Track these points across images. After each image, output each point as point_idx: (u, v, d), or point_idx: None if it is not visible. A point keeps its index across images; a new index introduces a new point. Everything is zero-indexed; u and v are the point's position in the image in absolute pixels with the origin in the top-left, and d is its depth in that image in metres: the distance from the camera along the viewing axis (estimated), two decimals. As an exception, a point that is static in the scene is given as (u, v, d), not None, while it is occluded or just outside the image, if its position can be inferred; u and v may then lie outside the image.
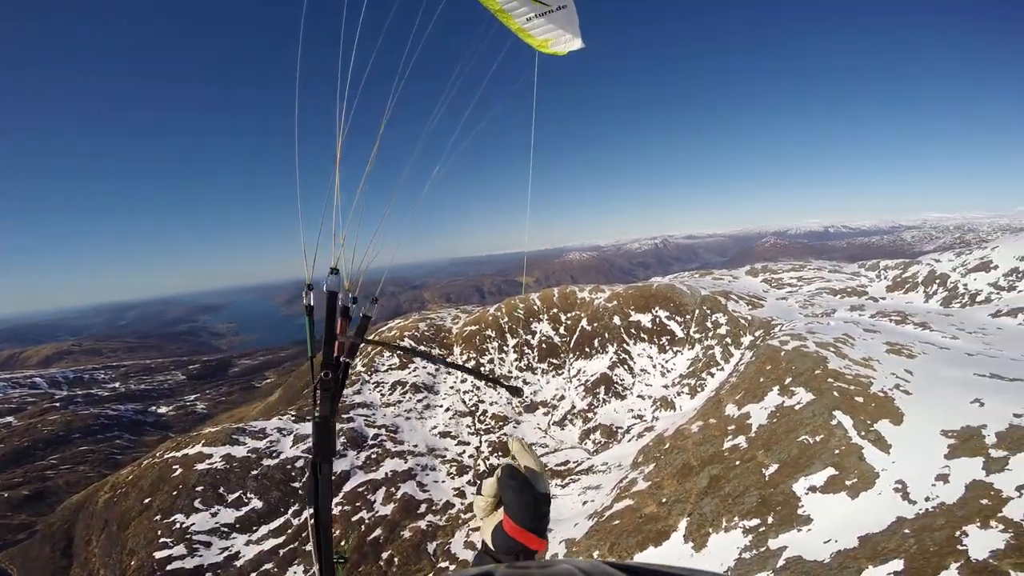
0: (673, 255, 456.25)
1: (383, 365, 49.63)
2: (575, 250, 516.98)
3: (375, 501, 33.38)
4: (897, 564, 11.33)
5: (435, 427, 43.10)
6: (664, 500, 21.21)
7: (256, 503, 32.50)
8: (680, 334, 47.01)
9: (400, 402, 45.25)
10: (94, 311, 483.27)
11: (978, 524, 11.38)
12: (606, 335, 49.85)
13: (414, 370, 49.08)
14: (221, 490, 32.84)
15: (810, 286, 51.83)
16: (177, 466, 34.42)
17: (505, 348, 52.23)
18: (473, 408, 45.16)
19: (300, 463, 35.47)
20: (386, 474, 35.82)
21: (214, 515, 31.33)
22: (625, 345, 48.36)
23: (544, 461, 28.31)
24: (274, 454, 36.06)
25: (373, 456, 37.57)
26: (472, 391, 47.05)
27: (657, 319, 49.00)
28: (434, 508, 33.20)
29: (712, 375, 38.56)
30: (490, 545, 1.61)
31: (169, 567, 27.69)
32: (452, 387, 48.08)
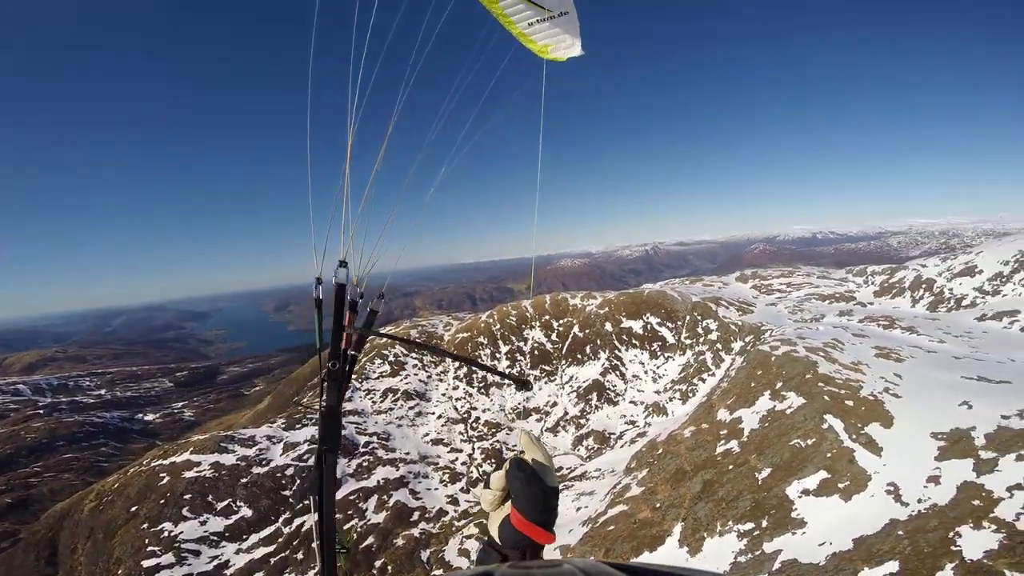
0: (664, 262, 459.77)
1: (374, 372, 49.25)
2: (566, 257, 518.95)
3: (367, 509, 33.03)
4: (892, 565, 11.39)
5: (427, 434, 42.81)
6: (658, 505, 21.20)
7: (246, 511, 32.02)
8: (671, 340, 47.25)
9: (391, 409, 44.89)
10: (79, 317, 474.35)
11: (971, 525, 11.48)
12: (598, 341, 49.98)
13: (405, 377, 48.77)
14: (210, 498, 32.32)
15: (799, 292, 52.25)
16: (165, 474, 33.84)
17: (497, 355, 52.10)
18: (465, 415, 44.94)
19: (291, 471, 35.03)
20: (378, 482, 35.47)
21: (203, 523, 30.81)
22: (617, 351, 48.49)
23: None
24: (264, 462, 35.58)
25: (365, 464, 37.19)
26: (464, 398, 46.84)
27: (648, 325, 49.23)
28: (427, 516, 32.92)
29: (703, 380, 38.72)
30: (497, 539, 1.60)
31: (157, 575, 27.25)
32: (444, 394, 47.82)
